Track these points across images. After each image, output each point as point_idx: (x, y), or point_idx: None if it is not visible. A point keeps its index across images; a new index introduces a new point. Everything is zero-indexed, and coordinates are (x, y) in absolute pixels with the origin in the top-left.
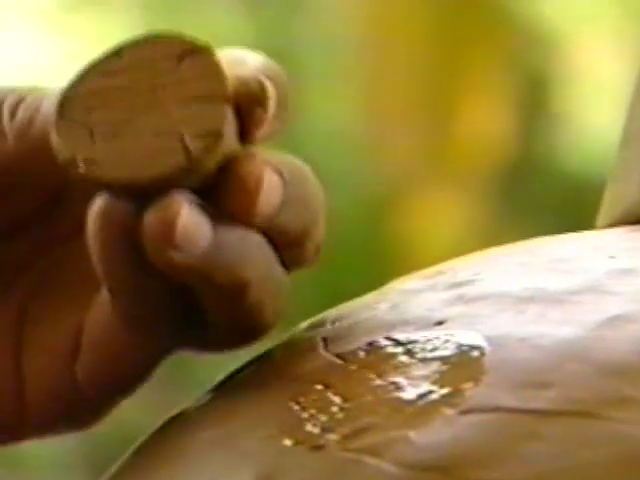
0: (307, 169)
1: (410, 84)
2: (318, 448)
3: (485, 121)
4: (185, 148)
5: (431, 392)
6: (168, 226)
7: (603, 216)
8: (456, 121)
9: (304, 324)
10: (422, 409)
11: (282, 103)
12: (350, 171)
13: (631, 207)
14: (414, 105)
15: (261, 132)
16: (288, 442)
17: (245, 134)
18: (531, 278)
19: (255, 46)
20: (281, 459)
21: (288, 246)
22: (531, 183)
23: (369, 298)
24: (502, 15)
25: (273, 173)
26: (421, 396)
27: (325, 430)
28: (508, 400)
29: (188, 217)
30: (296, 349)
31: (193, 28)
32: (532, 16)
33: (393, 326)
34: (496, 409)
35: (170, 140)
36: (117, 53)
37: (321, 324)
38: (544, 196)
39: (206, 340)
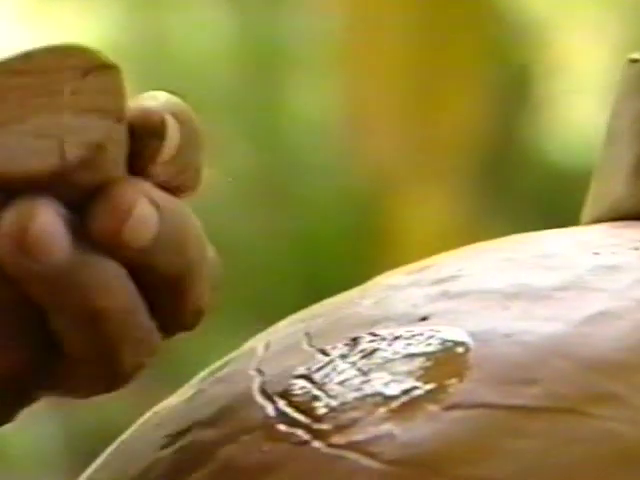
0: (193, 219)
1: (393, 77)
2: (302, 444)
3: (468, 114)
4: (62, 153)
5: (415, 388)
6: (20, 228)
7: (587, 212)
8: (439, 114)
9: (288, 319)
10: (406, 405)
11: (189, 146)
12: (334, 165)
13: (615, 203)
14: (397, 98)
15: (157, 169)
16: (272, 437)
17: (139, 167)
18: (516, 274)
19: (238, 40)
20: (264, 455)
21: (160, 294)
22: (514, 176)
23: (353, 294)
24: (485, 8)
25: (149, 205)
26: (405, 392)
27: (310, 425)
28: (492, 396)
29: (45, 223)
30: (279, 344)
31: (175, 21)
32: (515, 9)
33: (377, 322)
34: (480, 405)
35: (50, 143)
36: (28, 55)
37: (305, 319)
38: (527, 189)
39: (59, 378)
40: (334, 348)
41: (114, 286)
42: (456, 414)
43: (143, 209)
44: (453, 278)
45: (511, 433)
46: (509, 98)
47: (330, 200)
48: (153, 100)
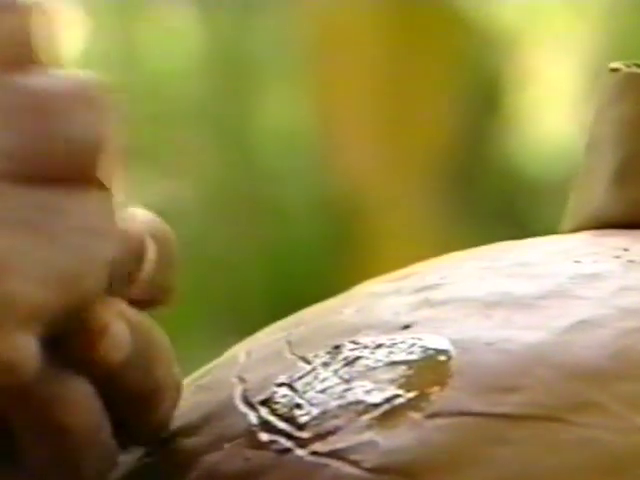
0: (162, 336)
1: (364, 87)
2: (284, 451)
3: (439, 124)
4: None
5: (397, 396)
6: None
7: (568, 220)
8: (411, 123)
9: (269, 327)
10: (388, 413)
11: (164, 265)
12: (306, 174)
13: (597, 212)
14: (368, 108)
15: (133, 290)
16: (255, 445)
17: (115, 287)
18: (497, 282)
19: (208, 49)
20: (247, 462)
21: (126, 412)
22: (486, 185)
23: (335, 302)
24: (456, 18)
25: (123, 325)
26: (387, 400)
27: (292, 433)
28: (474, 404)
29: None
30: (261, 352)
31: (145, 31)
32: (485, 18)
33: (359, 330)
34: (462, 413)
35: None
36: None
37: (286, 327)
38: (499, 198)
39: None
40: (316, 356)
41: (82, 404)
42: (438, 422)
43: (118, 328)
44: (435, 286)
45: (493, 441)
46: (479, 108)
47: (303, 210)
48: (133, 220)
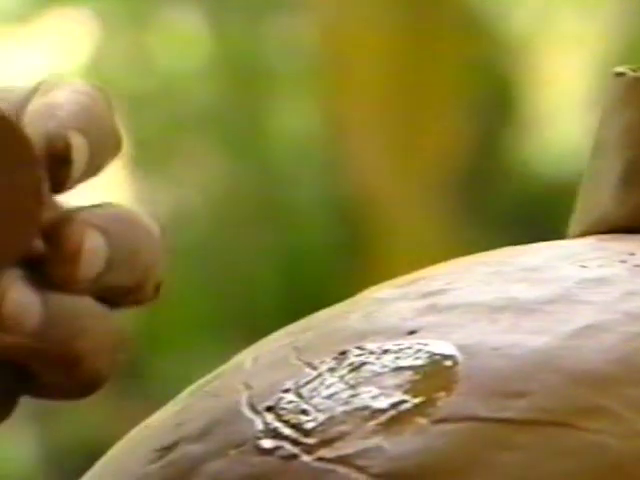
0: (136, 214)
1: (376, 90)
2: (291, 458)
3: (452, 127)
4: None
5: (404, 401)
6: None
7: (575, 225)
8: (423, 128)
9: (276, 333)
10: (395, 418)
11: (99, 144)
12: (317, 179)
13: (603, 216)
14: (381, 112)
15: (71, 184)
16: (261, 451)
17: (53, 189)
18: (503, 287)
19: (220, 55)
20: (253, 469)
21: (122, 297)
22: (498, 189)
23: (341, 307)
24: (467, 22)
25: (95, 234)
26: (394, 405)
27: (298, 439)
28: (480, 409)
29: (16, 298)
30: (267, 358)
31: (156, 38)
32: (499, 22)
33: (365, 335)
34: (468, 418)
35: None
36: None
37: (293, 333)
38: (511, 202)
39: (38, 393)
40: (322, 362)
41: (89, 326)
42: (444, 427)
43: (92, 243)
44: (441, 292)
45: (499, 446)
46: (491, 112)
47: (314, 215)
48: (53, 117)
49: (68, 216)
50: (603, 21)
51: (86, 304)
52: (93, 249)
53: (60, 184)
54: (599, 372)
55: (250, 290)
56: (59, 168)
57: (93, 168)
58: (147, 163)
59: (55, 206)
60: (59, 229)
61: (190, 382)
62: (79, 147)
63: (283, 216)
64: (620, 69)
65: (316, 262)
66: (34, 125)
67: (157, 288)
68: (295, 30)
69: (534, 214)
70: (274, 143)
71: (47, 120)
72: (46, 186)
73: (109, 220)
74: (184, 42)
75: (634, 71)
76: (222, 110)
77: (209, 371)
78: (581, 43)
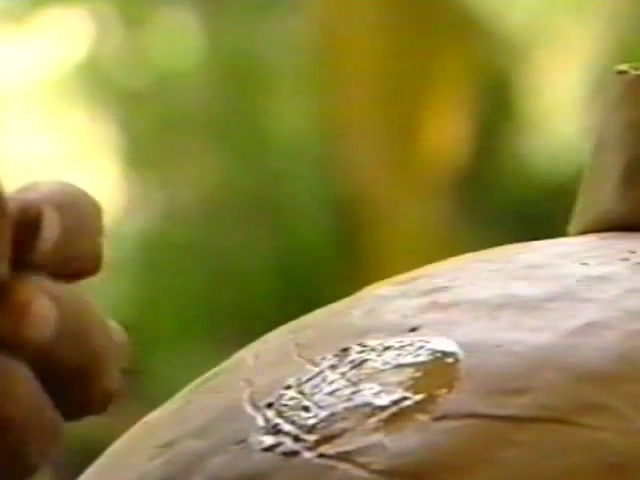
0: (94, 305)
1: (373, 88)
2: (292, 454)
3: (450, 126)
4: None
5: (405, 398)
6: None
7: (575, 223)
8: (421, 126)
9: (277, 330)
10: (395, 415)
11: (77, 235)
12: (314, 177)
13: (604, 214)
14: (378, 109)
15: (39, 258)
16: (262, 448)
17: (22, 259)
18: (504, 285)
19: (215, 52)
20: (254, 465)
21: (67, 385)
22: (496, 188)
23: (343, 304)
24: (467, 24)
25: (46, 299)
26: (395, 402)
27: (299, 436)
28: (482, 406)
29: (42, 304)
30: (269, 355)
31: (150, 35)
32: (497, 22)
33: (367, 332)
34: (469, 415)
35: None
36: None
37: (294, 330)
38: (508, 201)
39: None
40: (324, 359)
41: (20, 390)
42: (445, 424)
43: (41, 304)
44: (443, 289)
45: (500, 443)
46: (491, 111)
47: (310, 213)
48: (33, 191)
49: (21, 278)
50: (602, 20)
51: (23, 372)
52: (42, 311)
53: (26, 254)
54: (600, 369)
55: (245, 289)
56: (27, 236)
57: (62, 258)
58: (141, 161)
59: (9, 267)
60: (10, 287)
61: (184, 381)
62: (51, 220)
63: (279, 214)
64: (622, 67)
65: (312, 261)
66: (14, 195)
67: (107, 397)
68: (291, 28)
69: (532, 213)
70: (270, 141)
71: (27, 192)
72: (6, 243)
73: (61, 290)
74: (179, 40)
75: (636, 69)
76: (217, 108)
77: (203, 370)
78: (580, 42)
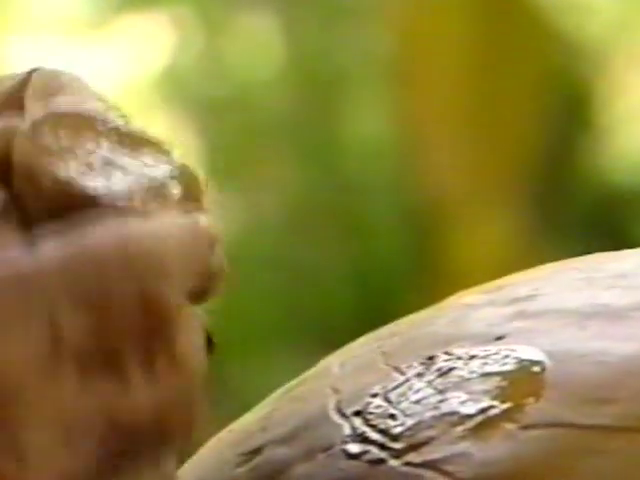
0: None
1: (451, 98)
2: (378, 462)
3: (527, 136)
4: None
5: (492, 407)
6: None
7: None
8: (498, 135)
9: (363, 338)
10: (482, 424)
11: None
12: (392, 187)
13: None
14: (455, 119)
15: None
16: (348, 456)
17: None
18: (592, 294)
19: (294, 61)
20: (340, 473)
21: None
22: (574, 198)
23: (428, 313)
24: (545, 30)
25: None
26: (482, 411)
27: (385, 444)
28: (569, 416)
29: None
30: (355, 363)
31: (230, 44)
32: (575, 30)
33: (452, 341)
34: (557, 425)
35: None
36: None
37: (380, 338)
38: (587, 212)
39: None
40: (410, 367)
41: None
42: (533, 433)
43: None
44: (529, 297)
45: (589, 453)
46: (568, 119)
47: (387, 223)
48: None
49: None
50: None
51: None
52: None
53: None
54: None
55: (323, 299)
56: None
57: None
58: (221, 170)
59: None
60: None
61: (265, 391)
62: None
63: (357, 224)
64: None
65: (389, 271)
66: None
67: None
68: (370, 36)
69: (610, 222)
70: (348, 150)
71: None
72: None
73: None
74: (259, 48)
75: None
76: (297, 116)
77: (283, 379)
78: None
